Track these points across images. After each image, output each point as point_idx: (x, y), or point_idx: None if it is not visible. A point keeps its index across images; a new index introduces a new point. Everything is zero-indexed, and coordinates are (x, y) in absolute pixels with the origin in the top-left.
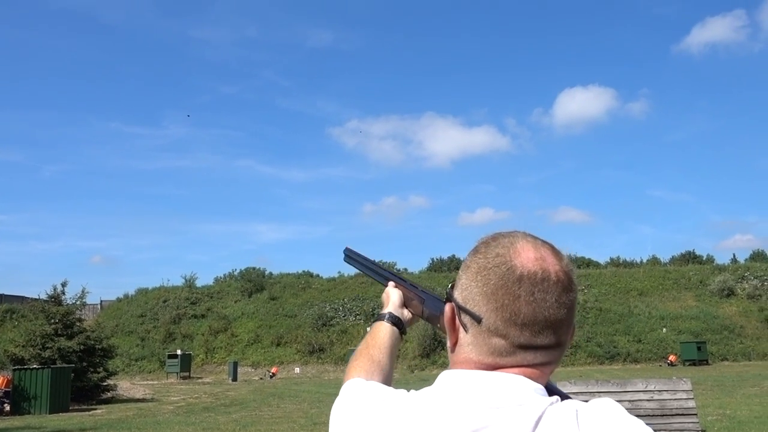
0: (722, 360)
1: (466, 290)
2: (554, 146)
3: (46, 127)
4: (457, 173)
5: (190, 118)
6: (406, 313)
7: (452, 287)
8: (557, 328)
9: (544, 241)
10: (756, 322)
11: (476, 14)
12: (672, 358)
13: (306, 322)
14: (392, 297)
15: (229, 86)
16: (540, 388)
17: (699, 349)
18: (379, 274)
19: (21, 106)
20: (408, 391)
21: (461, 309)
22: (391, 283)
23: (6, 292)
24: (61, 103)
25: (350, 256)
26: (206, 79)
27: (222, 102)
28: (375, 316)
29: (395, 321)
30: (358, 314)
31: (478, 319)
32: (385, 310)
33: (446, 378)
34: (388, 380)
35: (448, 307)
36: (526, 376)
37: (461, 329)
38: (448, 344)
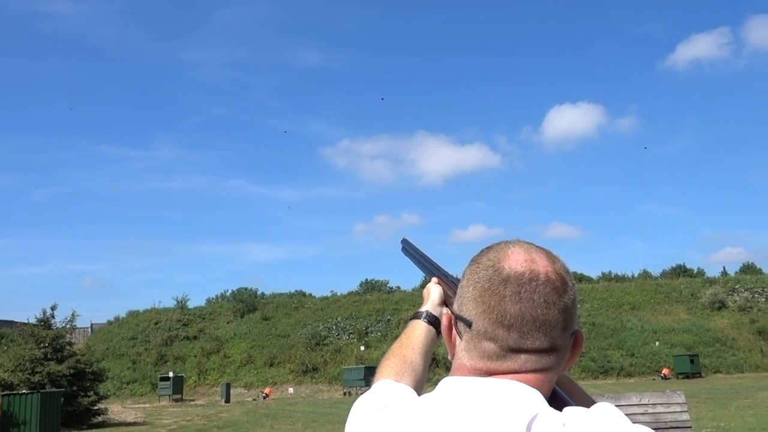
0: (715, 372)
1: (461, 298)
2: (545, 163)
3: (35, 151)
4: (449, 191)
5: (178, 138)
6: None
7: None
8: (548, 330)
9: (540, 247)
10: (748, 335)
11: (465, 33)
12: (665, 371)
13: (299, 341)
14: (432, 294)
15: (220, 107)
16: (536, 395)
17: (692, 362)
18: (428, 269)
19: (10, 130)
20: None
21: (456, 317)
22: (434, 279)
23: None
24: (51, 126)
25: (407, 248)
26: (197, 101)
27: (212, 123)
28: (413, 314)
29: (432, 320)
30: (351, 333)
31: (468, 324)
32: (423, 308)
33: (443, 385)
34: (420, 381)
35: (445, 317)
36: (521, 382)
37: (457, 338)
38: (449, 357)
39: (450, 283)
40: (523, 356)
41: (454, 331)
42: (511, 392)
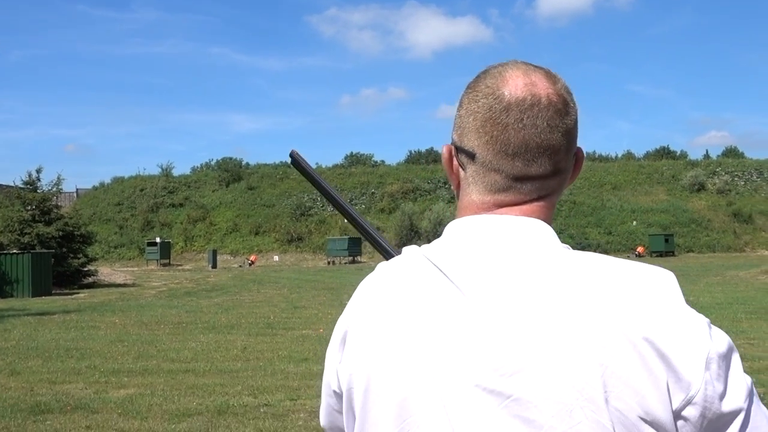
0: (688, 252)
1: (460, 128)
2: (537, 39)
3: (9, 10)
4: (439, 65)
5: (158, 0)
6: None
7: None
8: (553, 155)
9: (537, 66)
10: (723, 216)
11: None
12: (640, 249)
13: (284, 211)
14: None
15: None
16: (548, 231)
17: (666, 241)
18: (325, 191)
19: None
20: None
21: (457, 148)
22: None
23: None
24: None
25: (296, 160)
26: None
27: None
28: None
29: None
30: None
31: (471, 156)
32: None
33: (453, 228)
34: None
35: (445, 149)
36: (528, 214)
37: (460, 170)
38: (453, 188)
39: (341, 207)
40: (528, 184)
41: (455, 162)
42: (523, 230)
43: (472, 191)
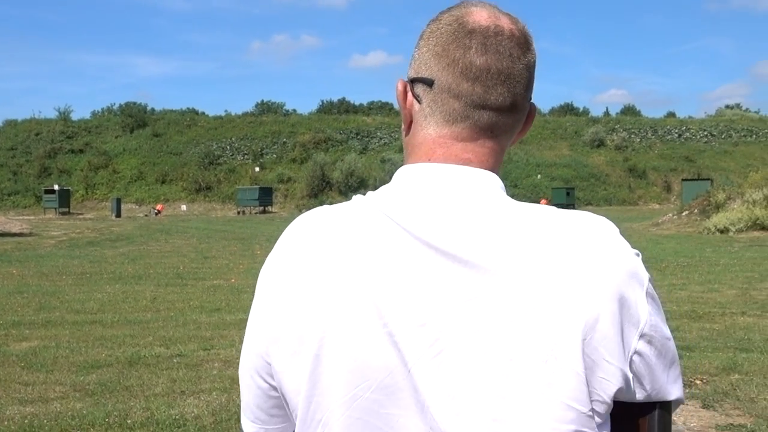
0: (587, 205)
1: (419, 59)
2: None
3: None
4: (352, 13)
5: None
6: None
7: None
8: (512, 86)
9: (501, 9)
10: (620, 171)
11: None
12: (543, 202)
13: (192, 160)
14: None
15: None
16: (499, 184)
17: (568, 194)
18: None
19: None
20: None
21: (413, 80)
22: None
23: None
24: None
25: None
26: None
27: None
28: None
29: None
30: (246, 153)
31: (430, 83)
32: None
33: (405, 177)
34: None
35: (400, 83)
36: (480, 158)
37: (415, 103)
38: (403, 128)
39: None
40: (485, 114)
41: (409, 96)
42: (478, 182)
43: (429, 123)
